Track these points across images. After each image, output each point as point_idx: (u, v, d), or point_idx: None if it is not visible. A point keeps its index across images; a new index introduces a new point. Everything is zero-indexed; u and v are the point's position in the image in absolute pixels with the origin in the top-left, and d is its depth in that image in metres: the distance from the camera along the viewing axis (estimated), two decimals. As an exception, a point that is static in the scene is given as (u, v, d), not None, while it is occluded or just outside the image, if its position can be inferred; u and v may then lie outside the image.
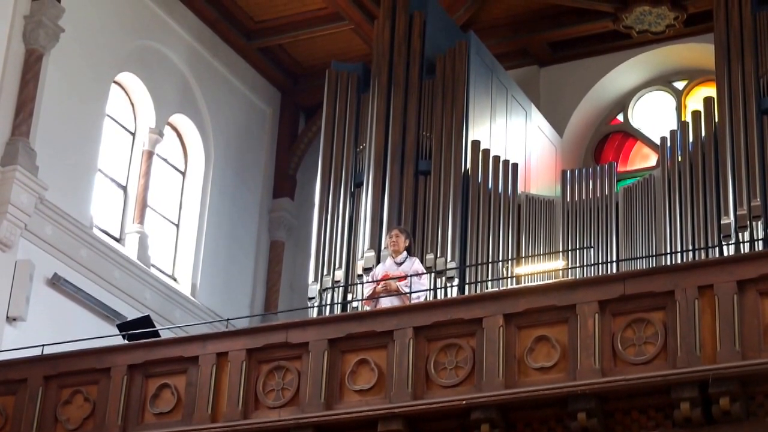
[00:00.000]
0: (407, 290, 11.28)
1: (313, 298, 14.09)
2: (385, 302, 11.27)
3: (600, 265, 13.53)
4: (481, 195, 14.02)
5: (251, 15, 16.51)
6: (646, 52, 16.60)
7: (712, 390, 8.80)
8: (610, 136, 17.04)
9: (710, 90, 15.50)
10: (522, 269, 13.93)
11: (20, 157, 13.07)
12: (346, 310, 13.50)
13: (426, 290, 11.80)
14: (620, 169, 16.23)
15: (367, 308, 11.47)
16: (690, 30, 16.12)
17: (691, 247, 12.92)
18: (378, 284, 11.52)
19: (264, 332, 10.45)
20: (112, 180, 14.92)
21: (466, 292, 13.28)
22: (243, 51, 16.85)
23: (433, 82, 14.60)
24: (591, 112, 16.93)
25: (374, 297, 11.46)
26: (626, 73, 16.80)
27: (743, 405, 8.84)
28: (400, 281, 11.42)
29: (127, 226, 14.92)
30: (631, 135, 16.90)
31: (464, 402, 9.42)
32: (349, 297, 13.77)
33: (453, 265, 13.48)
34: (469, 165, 14.17)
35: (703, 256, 12.66)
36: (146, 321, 11.80)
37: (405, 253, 11.72)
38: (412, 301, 11.10)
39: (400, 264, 11.62)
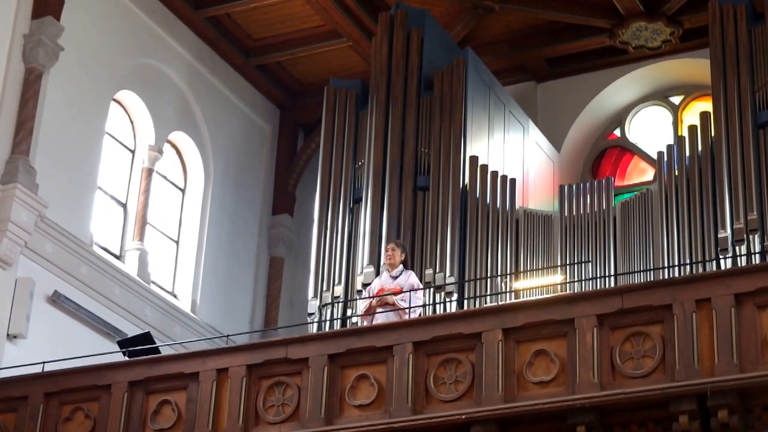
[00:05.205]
0: (402, 303, 11.32)
1: (313, 313, 14.11)
2: (381, 316, 11.30)
3: (598, 279, 13.56)
4: (479, 210, 14.06)
5: (250, 33, 16.56)
6: (643, 68, 16.65)
7: (711, 403, 8.84)
8: (608, 150, 17.08)
9: (706, 105, 15.53)
10: (520, 284, 13.96)
11: (20, 175, 13.11)
12: (346, 326, 13.52)
13: (422, 305, 11.85)
14: (617, 183, 16.24)
15: (365, 323, 11.51)
16: (686, 45, 16.18)
17: (688, 261, 12.95)
18: (373, 299, 11.56)
19: (264, 348, 10.49)
20: (112, 197, 14.95)
21: (465, 307, 13.29)
22: (242, 69, 16.90)
23: (431, 99, 14.65)
24: (588, 127, 16.97)
25: (370, 312, 11.49)
26: (623, 88, 16.85)
27: (742, 418, 8.87)
28: (395, 294, 11.46)
29: (127, 243, 14.95)
30: (628, 150, 16.94)
31: (464, 416, 9.45)
32: (349, 312, 13.79)
33: (452, 279, 13.51)
34: (467, 180, 14.21)
35: (700, 270, 12.69)
36: (146, 338, 11.83)
37: (401, 266, 11.78)
38: (410, 316, 11.14)
39: (395, 278, 11.68)
